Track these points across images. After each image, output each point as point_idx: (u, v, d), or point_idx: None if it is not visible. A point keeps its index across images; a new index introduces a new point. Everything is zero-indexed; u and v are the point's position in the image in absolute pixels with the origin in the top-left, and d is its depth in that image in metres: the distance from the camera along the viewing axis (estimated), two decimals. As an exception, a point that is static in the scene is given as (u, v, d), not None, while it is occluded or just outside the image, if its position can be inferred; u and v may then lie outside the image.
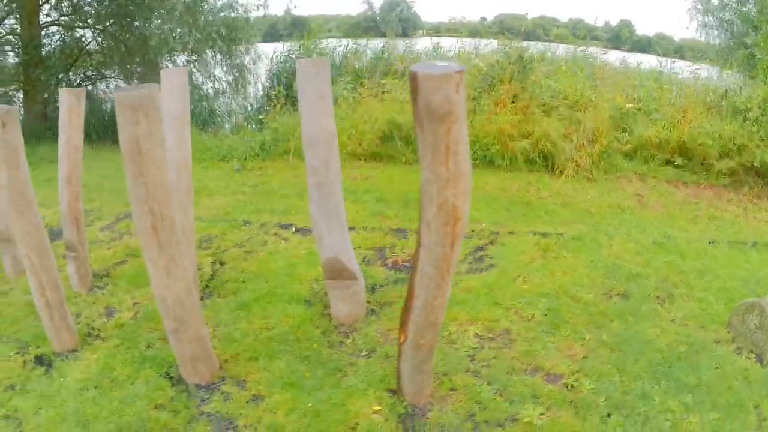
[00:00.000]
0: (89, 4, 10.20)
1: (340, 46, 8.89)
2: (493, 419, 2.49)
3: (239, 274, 3.85)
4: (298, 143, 6.44)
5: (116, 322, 3.36)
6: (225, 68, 11.13)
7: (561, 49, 8.32)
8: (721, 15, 9.96)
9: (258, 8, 10.82)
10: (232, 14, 10.30)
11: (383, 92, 6.89)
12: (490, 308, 3.35)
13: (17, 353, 3.11)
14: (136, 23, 9.37)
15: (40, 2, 9.95)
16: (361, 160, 6.12)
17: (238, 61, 10.99)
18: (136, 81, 10.89)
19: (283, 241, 4.38)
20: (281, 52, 8.96)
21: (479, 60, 6.72)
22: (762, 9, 8.30)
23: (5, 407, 2.67)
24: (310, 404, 2.56)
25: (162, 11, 8.74)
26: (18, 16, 9.95)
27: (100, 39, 10.16)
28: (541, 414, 2.51)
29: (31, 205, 2.88)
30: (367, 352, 2.95)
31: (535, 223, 4.71)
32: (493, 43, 7.84)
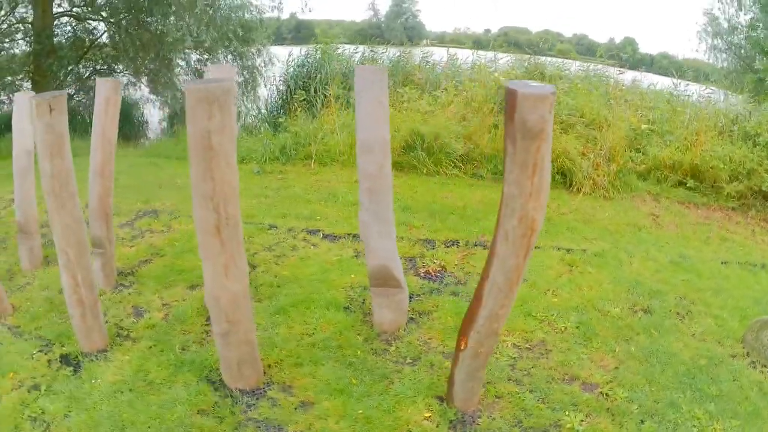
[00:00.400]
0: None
1: (357, 52, 9.02)
2: (538, 425, 2.61)
3: (272, 278, 3.91)
4: (319, 148, 6.56)
5: (147, 322, 3.35)
6: (236, 69, 11.26)
7: (575, 66, 8.54)
8: (729, 38, 10.28)
9: (272, 10, 11.00)
10: (246, 15, 10.44)
11: (401, 102, 7.04)
12: (525, 320, 3.48)
13: (40, 351, 3.07)
14: (151, 18, 9.42)
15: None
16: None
17: (249, 62, 11.10)
18: (146, 77, 10.96)
19: (312, 246, 4.46)
20: (298, 56, 9.07)
21: (499, 74, 6.90)
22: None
23: (30, 408, 2.63)
24: (360, 411, 2.62)
25: (181, 6, 8.79)
26: (32, 4, 9.98)
27: (113, 32, 10.21)
28: (581, 420, 2.64)
29: (74, 197, 2.82)
30: (411, 360, 3.03)
31: (558, 238, 4.85)
32: (505, 56, 8.07)
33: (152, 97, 11.11)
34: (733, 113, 6.66)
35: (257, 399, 2.71)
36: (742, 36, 9.94)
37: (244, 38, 10.20)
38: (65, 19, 10.69)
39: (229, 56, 10.94)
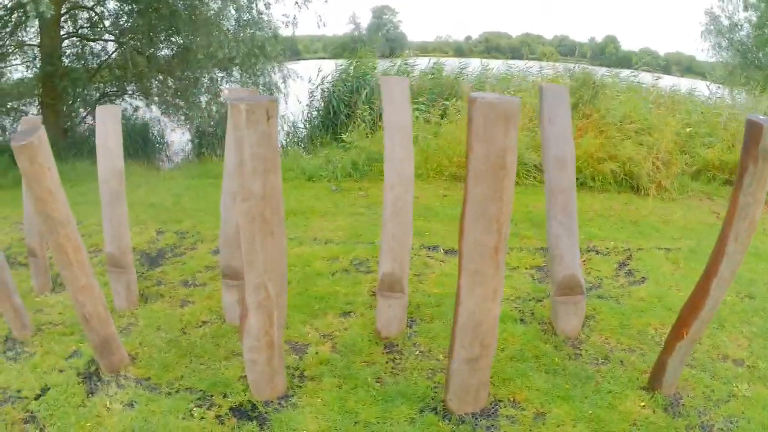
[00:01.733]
0: (118, 16, 10.18)
1: (393, 66, 9.39)
2: (722, 398, 3.02)
3: (426, 297, 4.07)
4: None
5: (317, 357, 3.28)
6: (250, 86, 11.33)
7: (601, 72, 9.21)
8: (731, 36, 11.23)
9: (287, 25, 11.18)
10: (258, 32, 10.55)
11: (442, 115, 7.49)
12: (667, 313, 3.88)
13: (198, 407, 2.84)
14: (175, 38, 9.46)
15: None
16: (447, 180, 6.66)
17: (266, 79, 11.20)
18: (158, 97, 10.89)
19: (441, 263, 4.79)
20: (335, 71, 9.33)
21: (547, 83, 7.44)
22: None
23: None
24: (590, 411, 2.88)
25: (206, 22, 8.88)
26: (38, 25, 9.81)
27: (128, 52, 10.16)
28: (746, 389, 3.08)
29: (283, 223, 2.57)
30: (603, 360, 3.33)
31: (653, 239, 5.36)
32: (535, 64, 8.66)
33: (169, 117, 11.01)
34: (761, 112, 7.44)
35: (494, 419, 2.81)
36: (743, 33, 10.93)
37: (264, 54, 10.36)
38: (70, 40, 10.54)
39: (245, 74, 11.04)
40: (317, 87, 9.48)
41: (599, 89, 7.11)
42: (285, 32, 11.20)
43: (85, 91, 10.04)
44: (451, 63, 9.38)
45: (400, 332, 3.54)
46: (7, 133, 10.46)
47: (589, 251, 4.99)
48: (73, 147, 9.02)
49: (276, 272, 2.60)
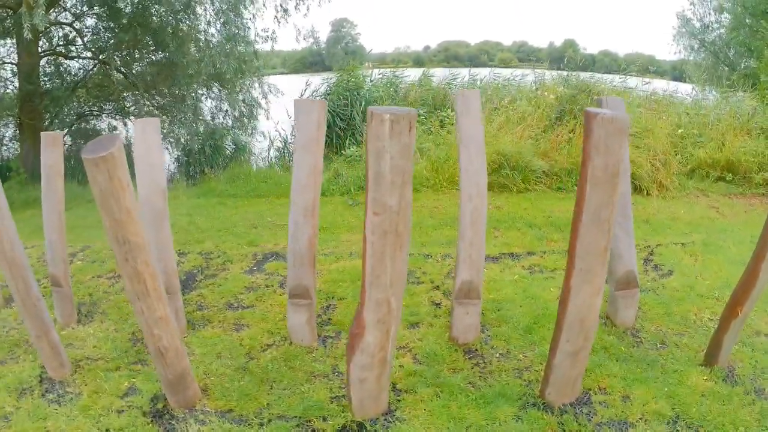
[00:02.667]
0: (96, 32, 9.97)
1: (402, 77, 9.60)
2: (766, 366, 3.45)
3: (485, 303, 4.19)
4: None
5: (404, 370, 3.39)
6: (229, 102, 11.20)
7: (584, 77, 9.82)
8: (702, 37, 12.19)
9: (266, 40, 11.24)
10: (245, 47, 10.60)
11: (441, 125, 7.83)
12: (701, 300, 4.35)
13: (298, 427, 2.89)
14: (159, 54, 9.37)
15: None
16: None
17: (245, 95, 11.18)
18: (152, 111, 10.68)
19: (485, 270, 4.96)
20: (323, 85, 9.48)
21: (547, 92, 7.94)
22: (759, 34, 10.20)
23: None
24: (665, 389, 3.22)
25: (197, 40, 8.88)
26: (15, 43, 9.50)
27: (112, 68, 9.94)
28: None
29: (409, 238, 2.61)
30: (660, 344, 3.72)
31: (665, 235, 5.83)
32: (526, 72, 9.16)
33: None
34: (744, 112, 8.18)
35: (589, 406, 3.08)
36: (714, 34, 11.91)
37: (249, 69, 10.38)
38: (46, 58, 10.24)
39: (224, 90, 11.00)
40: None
41: (594, 96, 7.61)
42: (264, 47, 11.25)
43: (66, 109, 9.75)
44: (440, 73, 9.76)
45: (476, 338, 3.76)
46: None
47: (616, 250, 5.40)
48: None
49: (399, 287, 2.65)
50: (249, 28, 10.10)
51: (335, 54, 39.94)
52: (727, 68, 11.31)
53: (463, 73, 9.93)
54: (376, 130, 2.33)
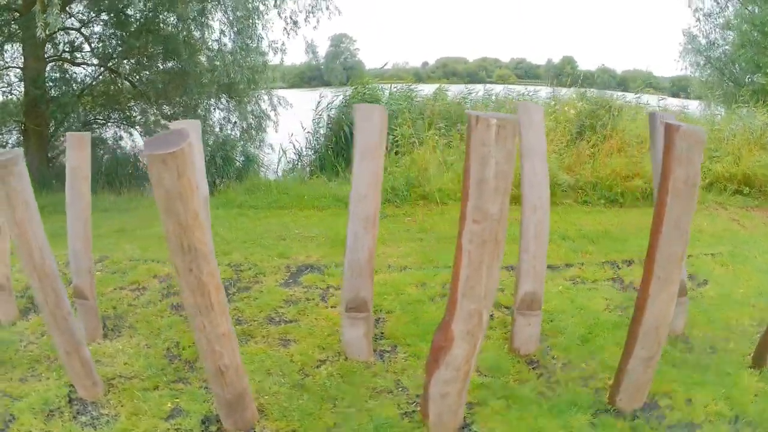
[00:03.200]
0: (103, 39, 9.95)
1: (415, 91, 9.76)
2: None
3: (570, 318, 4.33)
4: (432, 188, 7.21)
5: (470, 384, 3.29)
6: (238, 113, 11.23)
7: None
8: (708, 54, 12.62)
9: (276, 51, 11.31)
10: (259, 57, 10.66)
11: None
12: (740, 306, 4.54)
13: None
14: (173, 62, 9.38)
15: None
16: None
17: (253, 107, 11.22)
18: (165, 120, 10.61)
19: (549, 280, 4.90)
20: (336, 98, 9.60)
21: (567, 107, 8.15)
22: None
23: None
24: (722, 391, 3.37)
25: (209, 49, 8.93)
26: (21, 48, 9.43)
27: (122, 76, 9.91)
28: None
29: (501, 257, 2.57)
30: (710, 350, 3.88)
31: (694, 246, 5.90)
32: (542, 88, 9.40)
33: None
34: (756, 126, 8.47)
35: (658, 409, 3.23)
36: (719, 51, 12.34)
37: (261, 80, 10.43)
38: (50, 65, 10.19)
39: (232, 101, 11.02)
40: (319, 114, 9.71)
41: (615, 112, 7.85)
42: (274, 59, 11.33)
43: (73, 115, 9.68)
44: (454, 89, 9.95)
45: (536, 349, 3.85)
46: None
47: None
48: (59, 177, 8.72)
49: (491, 299, 2.65)
50: (262, 38, 10.19)
51: (334, 69, 40.28)
52: (732, 84, 11.73)
53: (478, 88, 10.14)
54: (482, 135, 2.35)
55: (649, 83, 14.19)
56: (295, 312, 4.50)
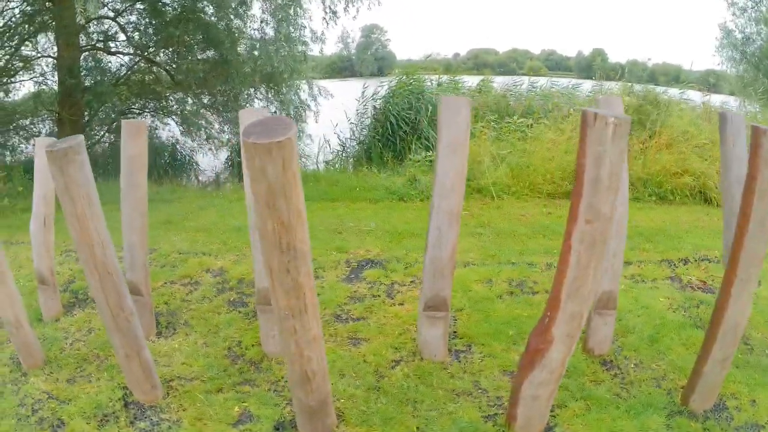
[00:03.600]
0: (139, 28, 10.07)
1: (465, 83, 9.82)
2: None
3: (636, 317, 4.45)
4: (486, 181, 7.32)
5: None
6: (279, 103, 11.33)
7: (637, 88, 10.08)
8: (744, 49, 12.51)
9: (316, 41, 11.34)
10: (301, 47, 10.69)
11: (519, 130, 8.09)
12: None
13: None
14: (213, 51, 9.49)
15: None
16: (544, 198, 7.25)
17: (291, 97, 11.31)
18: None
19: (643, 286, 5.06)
20: (381, 88, 9.69)
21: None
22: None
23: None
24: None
25: (251, 38, 9.01)
26: (55, 37, 9.59)
27: (162, 65, 10.06)
28: None
29: (604, 257, 2.54)
30: None
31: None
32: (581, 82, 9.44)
33: (191, 136, 10.97)
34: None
35: (726, 411, 3.35)
36: (755, 46, 12.21)
37: (302, 70, 10.51)
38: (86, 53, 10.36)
39: (271, 91, 11.09)
40: (363, 104, 9.80)
41: (664, 108, 7.90)
42: (314, 49, 11.38)
43: (109, 105, 9.86)
44: (500, 80, 10.00)
45: (609, 349, 3.99)
46: (11, 153, 10.09)
47: (702, 260, 5.66)
48: (95, 165, 8.85)
49: (591, 299, 2.61)
50: (304, 27, 10.25)
51: (365, 60, 40.08)
52: (767, 80, 11.65)
53: (524, 80, 10.20)
54: (599, 134, 2.32)
55: (677, 78, 14.09)
56: (362, 309, 4.43)
